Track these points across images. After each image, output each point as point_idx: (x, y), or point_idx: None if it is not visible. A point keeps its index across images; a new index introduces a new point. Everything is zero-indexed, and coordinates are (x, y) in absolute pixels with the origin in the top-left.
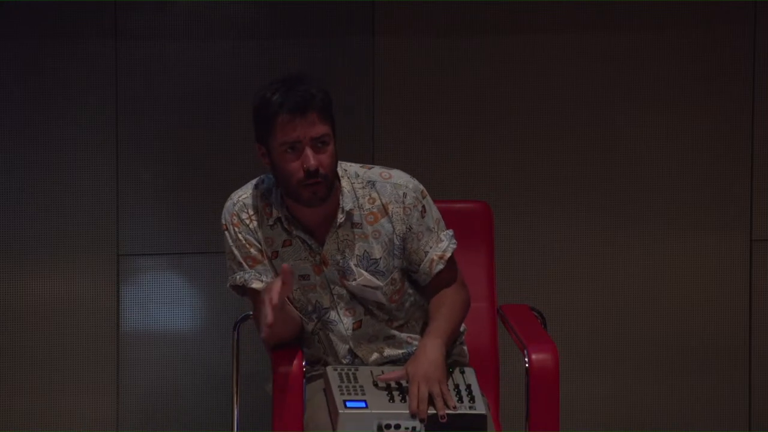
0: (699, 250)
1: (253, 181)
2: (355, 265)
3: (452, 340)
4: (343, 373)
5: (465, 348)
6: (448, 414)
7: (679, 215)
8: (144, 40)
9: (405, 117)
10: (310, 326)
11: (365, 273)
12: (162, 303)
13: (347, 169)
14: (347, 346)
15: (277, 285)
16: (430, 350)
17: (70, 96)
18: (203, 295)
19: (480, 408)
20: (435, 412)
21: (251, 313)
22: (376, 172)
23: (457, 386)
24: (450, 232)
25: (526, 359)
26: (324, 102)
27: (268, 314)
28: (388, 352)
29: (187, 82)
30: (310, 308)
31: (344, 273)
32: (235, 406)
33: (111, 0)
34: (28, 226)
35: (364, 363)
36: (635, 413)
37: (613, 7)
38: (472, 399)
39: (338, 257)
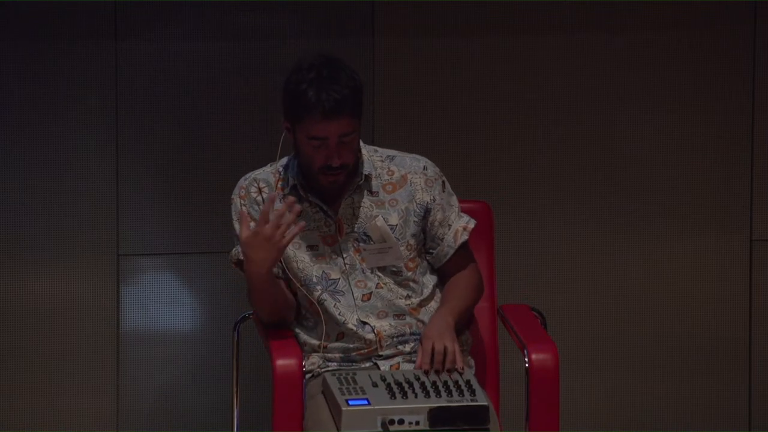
0: (699, 250)
1: (269, 163)
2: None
3: (463, 320)
4: (342, 377)
5: (471, 360)
6: (450, 407)
7: (679, 215)
8: (144, 40)
9: (405, 117)
10: (315, 295)
11: (381, 218)
12: (162, 303)
13: (366, 145)
14: (356, 316)
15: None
16: (439, 317)
17: (70, 96)
18: (203, 295)
19: (482, 400)
20: (438, 405)
21: (251, 313)
22: (394, 151)
23: (456, 382)
24: (466, 214)
25: (526, 359)
26: (355, 101)
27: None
28: (399, 327)
29: (187, 82)
30: (315, 279)
31: (360, 232)
32: (235, 406)
33: (111, 0)
34: (28, 226)
35: (374, 331)
36: (635, 413)
37: (613, 7)
38: (472, 392)
39: (354, 221)
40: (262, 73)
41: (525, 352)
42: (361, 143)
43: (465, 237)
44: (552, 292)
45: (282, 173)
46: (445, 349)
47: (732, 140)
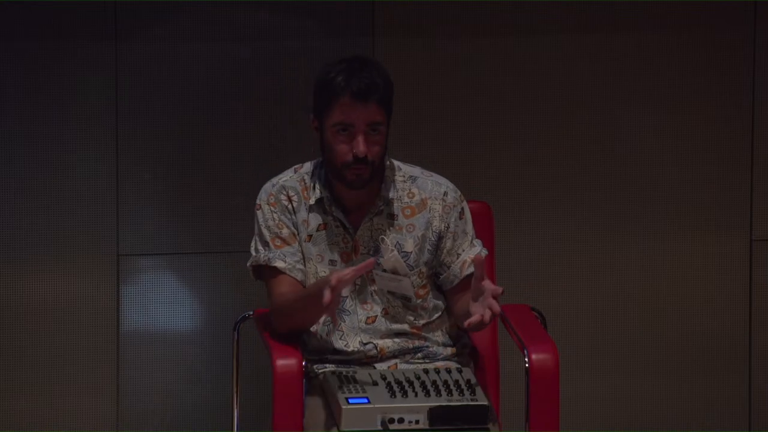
0: (699, 250)
1: (293, 167)
2: (383, 241)
3: None
4: (342, 375)
5: (469, 341)
6: (449, 406)
7: (679, 215)
8: (144, 40)
9: (405, 117)
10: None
11: (396, 252)
12: (162, 303)
13: (392, 161)
14: (359, 338)
15: (349, 273)
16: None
17: (70, 96)
18: (203, 295)
19: (482, 399)
20: (438, 404)
21: (251, 313)
22: (417, 169)
23: (456, 381)
24: (480, 241)
25: (526, 359)
26: (386, 91)
27: (327, 294)
28: (402, 344)
29: (186, 82)
30: None
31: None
32: (235, 406)
33: (111, 0)
34: (28, 226)
35: (377, 349)
36: (635, 413)
37: (613, 8)
38: (472, 392)
39: (370, 245)
40: (262, 73)
41: (525, 352)
42: (388, 160)
43: (471, 270)
44: (552, 292)
45: (307, 181)
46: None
47: (732, 140)
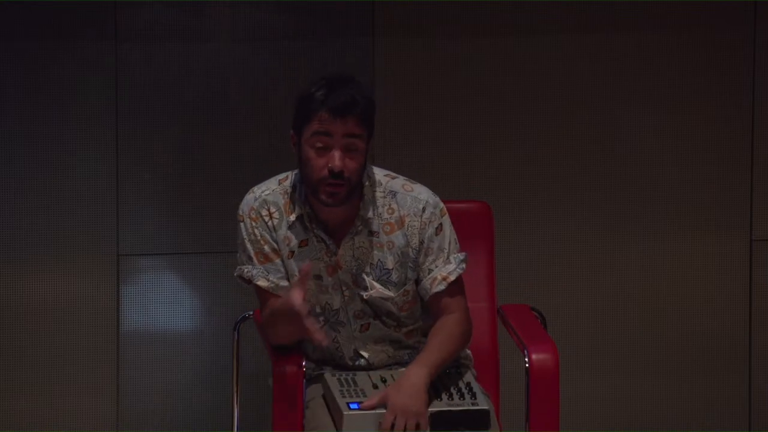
0: (699, 250)
1: (278, 177)
2: (367, 274)
3: (440, 369)
4: (342, 378)
5: (470, 353)
6: (450, 411)
7: (679, 215)
8: (144, 40)
9: (405, 117)
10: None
11: (377, 285)
12: (162, 303)
13: (371, 176)
14: (353, 347)
15: (298, 294)
16: (413, 377)
17: (70, 96)
18: (203, 295)
19: (482, 403)
20: (439, 409)
21: (251, 313)
22: (399, 183)
23: (456, 385)
24: (461, 255)
25: (526, 359)
26: (366, 109)
27: (309, 324)
28: (395, 353)
29: (186, 82)
30: (318, 309)
31: (356, 281)
32: (235, 406)
33: (111, 0)
34: (28, 226)
35: (369, 363)
36: (635, 413)
37: (613, 8)
38: (473, 395)
39: (353, 264)
40: (262, 73)
41: (525, 352)
42: (368, 174)
43: (441, 288)
44: (552, 292)
45: (291, 195)
46: (406, 426)
47: (732, 140)
